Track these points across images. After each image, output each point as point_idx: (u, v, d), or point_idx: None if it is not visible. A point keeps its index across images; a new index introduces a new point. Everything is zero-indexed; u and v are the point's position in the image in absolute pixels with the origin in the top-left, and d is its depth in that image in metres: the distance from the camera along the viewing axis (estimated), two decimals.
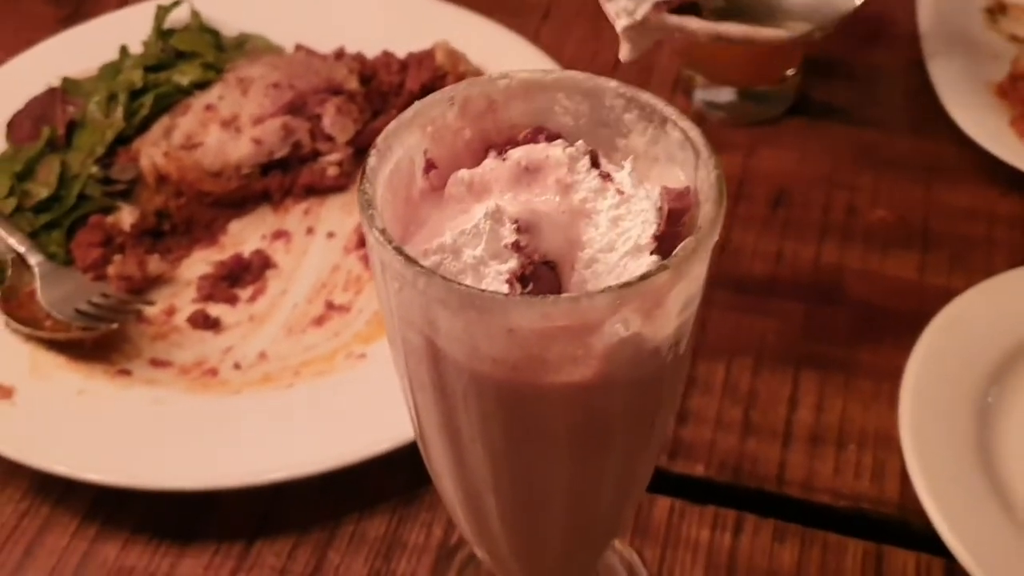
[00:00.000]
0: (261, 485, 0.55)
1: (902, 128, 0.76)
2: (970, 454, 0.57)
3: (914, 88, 0.77)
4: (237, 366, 0.61)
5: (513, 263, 0.35)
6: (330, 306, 0.64)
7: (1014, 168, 0.69)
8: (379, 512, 0.57)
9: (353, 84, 0.73)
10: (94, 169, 0.68)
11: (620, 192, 0.36)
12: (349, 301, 0.64)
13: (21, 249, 0.64)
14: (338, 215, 0.69)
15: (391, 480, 0.57)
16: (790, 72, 0.76)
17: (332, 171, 0.70)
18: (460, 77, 0.74)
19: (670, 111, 0.37)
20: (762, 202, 0.72)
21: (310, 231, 0.69)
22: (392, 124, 0.37)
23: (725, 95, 0.76)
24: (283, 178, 0.70)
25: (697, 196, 0.36)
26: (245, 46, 0.77)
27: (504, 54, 0.77)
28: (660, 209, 0.36)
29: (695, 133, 0.37)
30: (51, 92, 0.73)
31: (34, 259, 0.64)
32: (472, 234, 0.35)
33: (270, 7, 0.80)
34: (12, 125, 0.71)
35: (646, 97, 0.38)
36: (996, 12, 0.83)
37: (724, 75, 0.75)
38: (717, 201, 0.35)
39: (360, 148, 0.72)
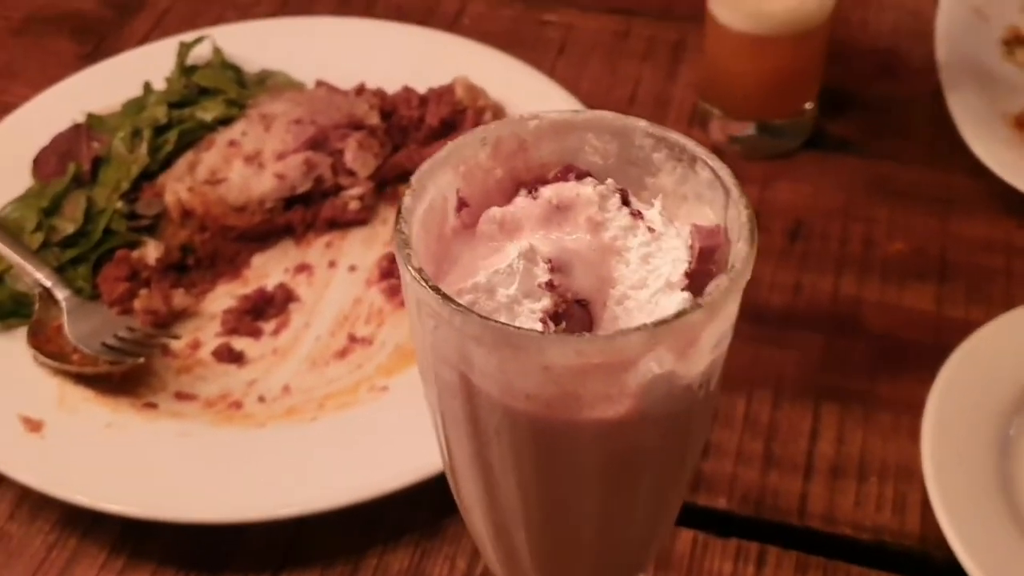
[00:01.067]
0: (285, 518, 0.55)
1: (917, 160, 0.76)
2: (992, 486, 0.57)
3: (928, 120, 0.78)
4: (261, 399, 0.62)
5: (547, 302, 0.35)
6: (352, 339, 0.65)
7: None
8: (402, 545, 0.57)
9: (374, 119, 0.74)
10: (119, 204, 0.69)
11: (651, 230, 0.37)
12: (371, 334, 0.65)
13: (48, 284, 0.65)
14: (360, 248, 0.70)
15: (414, 513, 0.58)
16: (808, 105, 0.77)
17: (354, 205, 0.71)
18: (479, 111, 0.75)
19: (700, 151, 0.38)
20: (779, 234, 0.72)
21: (332, 264, 0.69)
22: (426, 164, 0.38)
23: (742, 128, 0.77)
24: (305, 212, 0.71)
25: (727, 234, 0.37)
26: (267, 82, 0.78)
27: (522, 88, 0.78)
28: (691, 247, 0.36)
29: (725, 172, 0.37)
30: (76, 128, 0.74)
31: (61, 294, 0.65)
32: (506, 273, 0.36)
33: (291, 44, 0.82)
34: (38, 161, 0.72)
35: (675, 136, 0.38)
36: (1013, 44, 0.84)
37: (741, 109, 0.76)
38: (749, 240, 0.35)
39: (381, 182, 0.72)
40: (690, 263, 0.36)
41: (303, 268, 0.69)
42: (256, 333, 0.65)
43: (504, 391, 0.34)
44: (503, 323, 0.33)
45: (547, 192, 0.38)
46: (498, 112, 0.76)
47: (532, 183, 0.39)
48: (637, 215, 0.37)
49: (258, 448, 0.59)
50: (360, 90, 0.76)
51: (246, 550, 0.57)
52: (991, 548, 0.54)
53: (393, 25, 0.84)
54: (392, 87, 0.77)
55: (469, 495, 0.41)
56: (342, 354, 0.64)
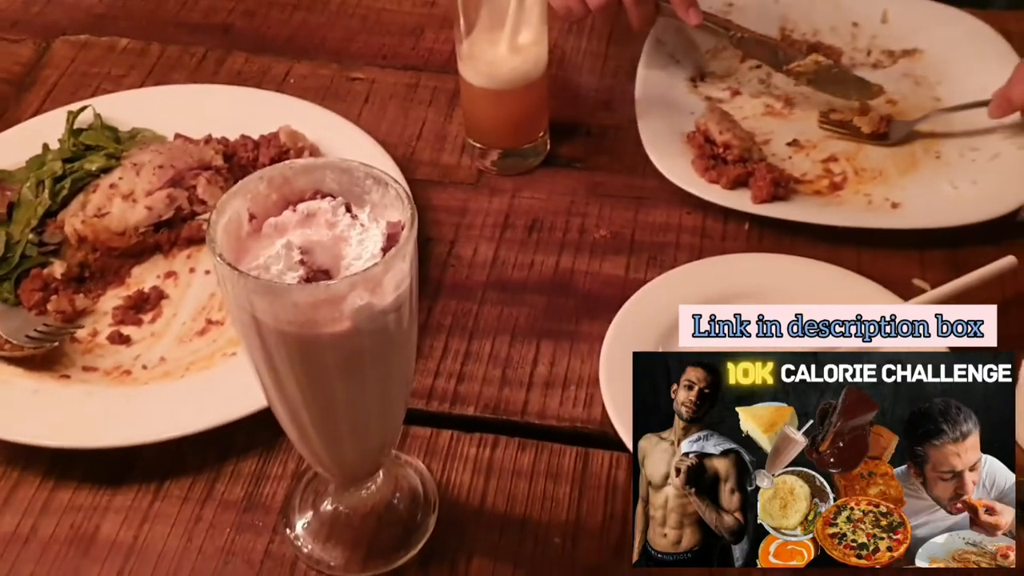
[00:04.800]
0: (165, 440, 0.80)
1: (621, 171, 1.04)
2: None
3: (631, 141, 1.06)
4: (144, 367, 0.87)
5: (301, 272, 0.62)
6: (209, 321, 0.90)
7: (691, 194, 0.99)
8: (250, 455, 0.83)
9: (219, 161, 0.99)
10: (31, 236, 0.93)
11: (363, 226, 0.64)
12: (222, 317, 0.90)
13: None
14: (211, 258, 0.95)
15: (258, 433, 0.83)
16: (541, 134, 1.05)
17: (205, 226, 0.96)
18: (299, 151, 1.01)
19: (390, 178, 0.65)
20: (522, 229, 1.00)
21: (192, 270, 0.95)
22: (225, 195, 0.64)
23: (494, 155, 1.04)
24: (170, 233, 0.95)
25: (404, 225, 0.64)
26: (136, 137, 1.03)
27: (334, 132, 1.04)
28: (384, 234, 0.63)
29: (402, 190, 0.64)
30: None
31: None
32: (275, 257, 0.62)
33: (154, 106, 1.06)
34: None
35: (377, 171, 0.65)
36: (697, 80, 1.13)
37: (491, 141, 1.03)
38: (410, 226, 0.62)
39: None
40: (384, 243, 0.63)
41: (170, 274, 0.94)
42: (138, 322, 0.90)
43: (275, 320, 0.61)
44: (267, 280, 0.60)
45: (302, 207, 0.64)
46: (314, 151, 1.02)
47: (295, 202, 0.66)
48: (355, 217, 0.64)
49: (143, 397, 0.84)
50: (208, 140, 1.01)
51: (142, 467, 0.82)
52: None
53: (233, 88, 1.09)
54: (232, 135, 1.03)
55: (273, 398, 0.67)
56: (201, 333, 0.90)
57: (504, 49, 0.98)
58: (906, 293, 0.91)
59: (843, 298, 0.89)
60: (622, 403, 0.83)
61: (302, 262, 0.62)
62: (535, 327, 0.92)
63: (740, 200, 0.97)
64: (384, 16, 1.23)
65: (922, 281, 0.93)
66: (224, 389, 0.84)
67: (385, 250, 0.62)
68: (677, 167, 1.01)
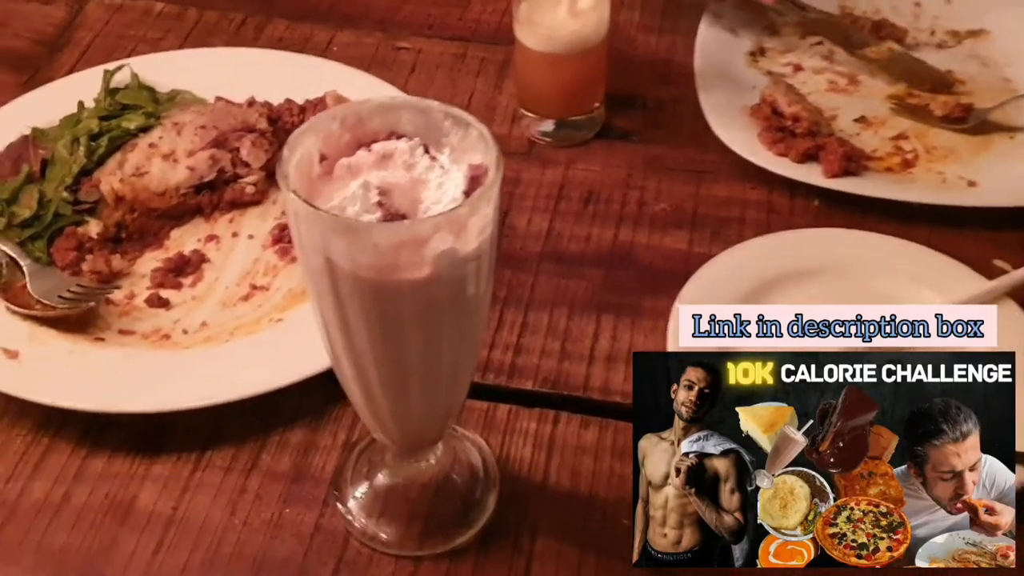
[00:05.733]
0: (208, 407, 0.76)
1: (681, 144, 1.00)
2: None
3: (690, 114, 1.02)
4: (185, 332, 0.82)
5: (379, 214, 0.57)
6: (253, 287, 0.86)
7: (759, 167, 0.95)
8: (298, 425, 0.78)
9: (263, 124, 0.95)
10: (65, 194, 0.89)
11: (442, 168, 0.59)
12: (268, 283, 0.86)
13: (13, 255, 0.84)
14: (256, 222, 0.91)
15: (306, 401, 0.78)
16: (596, 105, 1.01)
17: (249, 189, 0.92)
18: None
19: (471, 118, 0.60)
20: (576, 201, 0.95)
21: (235, 235, 0.90)
22: (296, 131, 0.59)
23: (548, 125, 1.00)
24: (212, 196, 0.91)
25: (487, 168, 0.59)
26: (176, 99, 0.99)
27: None
28: (467, 177, 0.59)
29: (486, 131, 0.60)
30: (24, 139, 0.93)
31: (24, 261, 0.84)
32: (351, 198, 0.57)
33: (194, 69, 1.02)
34: None
35: (457, 111, 0.61)
36: (757, 54, 1.09)
37: (545, 110, 0.99)
38: (496, 168, 0.58)
39: (270, 172, 0.93)
40: (466, 186, 0.58)
41: (212, 238, 0.90)
42: (177, 286, 0.86)
43: (351, 263, 0.56)
44: (347, 217, 0.55)
45: (377, 147, 0.60)
46: None
47: (367, 143, 0.61)
48: (434, 159, 0.59)
49: (184, 361, 0.79)
50: (251, 103, 0.97)
51: (181, 434, 0.77)
52: None
53: (276, 52, 1.05)
54: (276, 101, 0.98)
55: (339, 352, 0.62)
56: (246, 298, 0.85)
57: (564, 12, 0.94)
58: (985, 273, 0.86)
59: (925, 276, 0.85)
60: None
61: (380, 204, 0.57)
62: (594, 300, 0.87)
63: (810, 174, 0.93)
64: None
65: (1003, 262, 0.88)
66: (270, 355, 0.79)
67: (467, 193, 0.58)
68: (742, 140, 0.97)
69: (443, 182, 0.59)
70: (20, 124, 0.95)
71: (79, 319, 0.81)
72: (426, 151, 0.60)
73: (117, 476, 0.75)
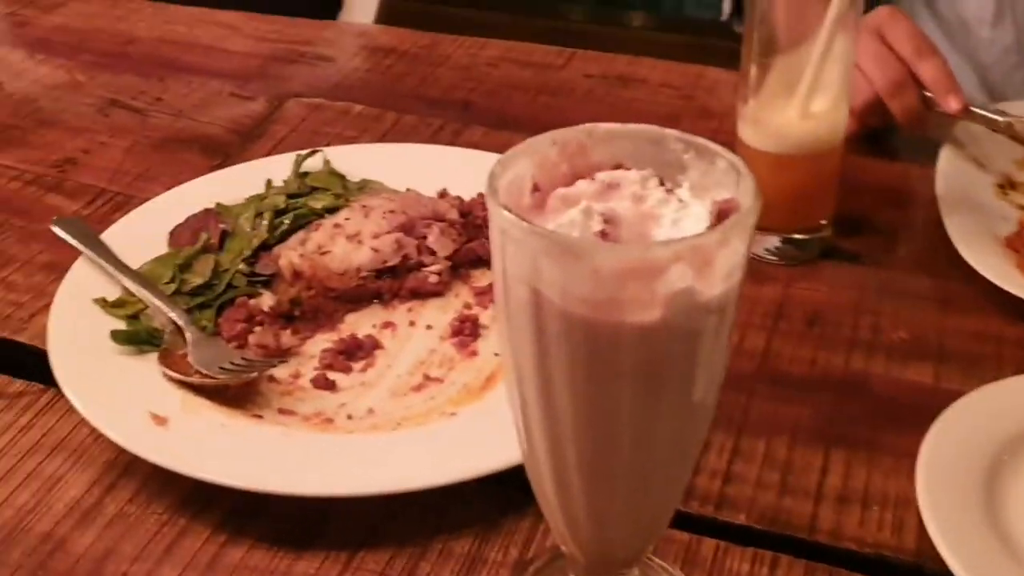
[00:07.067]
0: (367, 496, 0.65)
1: (919, 270, 0.88)
2: (976, 510, 0.65)
3: (928, 241, 0.89)
4: (349, 417, 0.73)
5: None
6: (427, 378, 0.76)
7: (1015, 303, 0.81)
8: (465, 534, 0.66)
9: (453, 215, 0.88)
10: (241, 266, 0.83)
11: (681, 202, 0.49)
12: (443, 375, 0.76)
13: (179, 322, 0.78)
14: (435, 313, 0.82)
15: (476, 507, 0.67)
16: (823, 222, 0.89)
17: (432, 279, 0.84)
18: None
19: (719, 148, 0.50)
20: (799, 321, 0.83)
21: (412, 324, 0.81)
22: (509, 151, 0.51)
23: (772, 241, 0.89)
24: (393, 282, 0.83)
25: (740, 204, 0.48)
26: (366, 188, 0.93)
27: None
28: (711, 213, 0.48)
29: (737, 160, 0.50)
30: (207, 211, 0.89)
31: (188, 329, 0.77)
32: (568, 224, 0.48)
33: (387, 162, 0.97)
34: (174, 234, 0.87)
35: (701, 140, 0.51)
36: (1007, 187, 0.97)
37: (769, 219, 0.88)
38: (754, 197, 0.47)
39: (456, 263, 0.85)
40: (711, 223, 0.48)
41: (388, 325, 0.81)
42: (347, 369, 0.77)
43: (563, 296, 0.46)
44: (564, 234, 0.45)
45: (601, 175, 0.50)
46: None
47: (586, 176, 0.52)
48: (670, 191, 0.49)
49: (346, 447, 0.69)
50: (443, 194, 0.91)
51: (333, 528, 0.66)
52: (978, 560, 0.62)
53: (471, 151, 0.99)
54: (468, 197, 0.91)
55: (532, 423, 0.51)
56: (418, 389, 0.75)
57: (795, 115, 0.84)
58: None
59: None
60: (953, 535, 0.64)
61: (604, 233, 0.47)
62: (822, 431, 0.74)
63: None
64: (635, 105, 1.13)
65: None
66: (441, 449, 0.69)
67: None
68: (998, 271, 0.83)
69: (680, 218, 0.48)
70: (204, 199, 0.91)
71: (236, 393, 0.73)
72: (660, 183, 0.50)
73: (256, 570, 0.65)
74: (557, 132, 0.52)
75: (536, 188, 0.51)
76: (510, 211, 0.46)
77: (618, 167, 0.52)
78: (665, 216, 0.48)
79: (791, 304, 0.85)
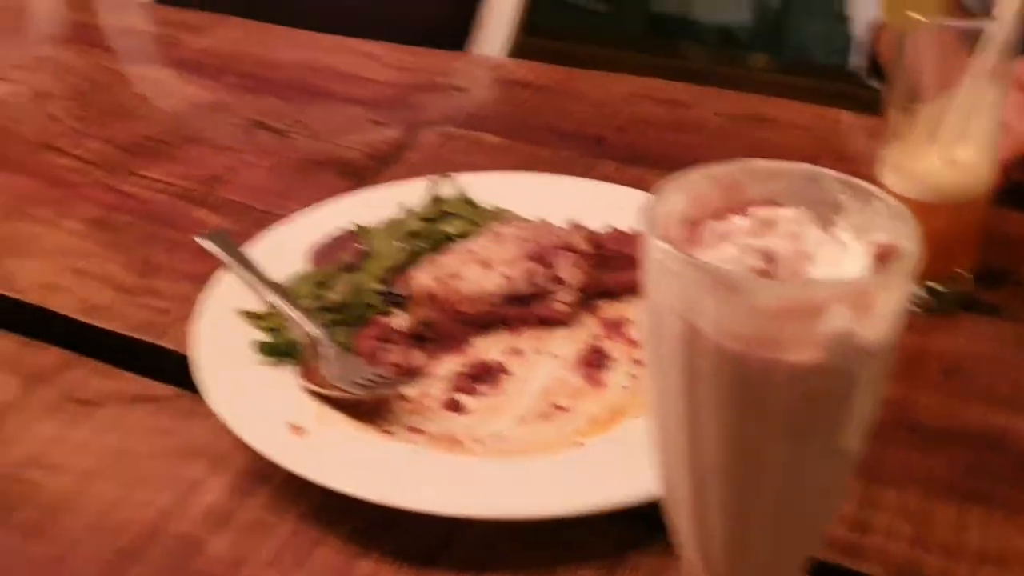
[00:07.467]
0: (494, 519, 0.66)
1: None
2: None
3: None
4: (478, 441, 0.74)
5: None
6: (555, 407, 0.77)
7: None
8: (587, 568, 0.66)
9: (585, 246, 0.88)
10: (377, 286, 0.85)
11: (839, 243, 0.49)
12: (570, 405, 0.77)
13: (318, 336, 0.80)
14: (563, 342, 0.83)
15: (601, 542, 0.67)
16: (965, 273, 0.87)
17: (561, 307, 0.84)
18: None
19: (877, 190, 0.50)
20: (935, 372, 0.81)
21: (539, 351, 0.82)
22: (663, 182, 0.51)
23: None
24: (521, 309, 0.84)
25: (900, 250, 0.48)
26: (498, 216, 0.95)
27: None
28: (871, 256, 0.48)
29: (896, 203, 0.49)
30: (347, 233, 0.91)
31: (324, 344, 0.79)
32: (727, 260, 0.48)
33: (520, 189, 0.98)
34: (316, 253, 0.89)
35: (858, 181, 0.51)
36: None
37: None
38: (917, 243, 0.46)
39: (586, 294, 0.86)
40: (873, 266, 0.47)
41: (515, 351, 0.82)
42: (475, 393, 0.78)
43: (717, 331, 0.46)
44: (725, 268, 0.45)
45: (757, 212, 0.50)
46: None
47: (738, 213, 0.52)
48: (829, 232, 0.49)
49: (475, 469, 0.70)
50: (576, 226, 0.92)
51: (453, 556, 0.67)
52: None
53: (605, 184, 1.00)
54: (598, 229, 0.92)
55: (674, 458, 0.51)
56: (545, 416, 0.76)
57: (939, 162, 0.83)
58: None
59: None
60: None
61: (764, 272, 0.47)
62: (958, 484, 0.72)
63: None
64: (767, 145, 1.12)
65: None
66: (569, 478, 0.69)
67: None
68: None
69: (839, 260, 0.48)
70: (342, 219, 0.93)
71: (369, 408, 0.75)
72: (816, 223, 0.49)
73: None
74: (711, 167, 0.52)
75: (689, 222, 0.51)
76: (666, 240, 0.47)
77: (771, 204, 0.52)
78: (820, 257, 0.48)
79: (928, 354, 0.83)
